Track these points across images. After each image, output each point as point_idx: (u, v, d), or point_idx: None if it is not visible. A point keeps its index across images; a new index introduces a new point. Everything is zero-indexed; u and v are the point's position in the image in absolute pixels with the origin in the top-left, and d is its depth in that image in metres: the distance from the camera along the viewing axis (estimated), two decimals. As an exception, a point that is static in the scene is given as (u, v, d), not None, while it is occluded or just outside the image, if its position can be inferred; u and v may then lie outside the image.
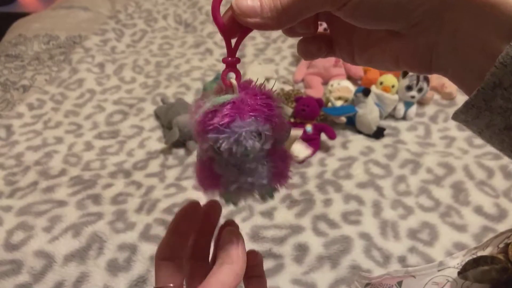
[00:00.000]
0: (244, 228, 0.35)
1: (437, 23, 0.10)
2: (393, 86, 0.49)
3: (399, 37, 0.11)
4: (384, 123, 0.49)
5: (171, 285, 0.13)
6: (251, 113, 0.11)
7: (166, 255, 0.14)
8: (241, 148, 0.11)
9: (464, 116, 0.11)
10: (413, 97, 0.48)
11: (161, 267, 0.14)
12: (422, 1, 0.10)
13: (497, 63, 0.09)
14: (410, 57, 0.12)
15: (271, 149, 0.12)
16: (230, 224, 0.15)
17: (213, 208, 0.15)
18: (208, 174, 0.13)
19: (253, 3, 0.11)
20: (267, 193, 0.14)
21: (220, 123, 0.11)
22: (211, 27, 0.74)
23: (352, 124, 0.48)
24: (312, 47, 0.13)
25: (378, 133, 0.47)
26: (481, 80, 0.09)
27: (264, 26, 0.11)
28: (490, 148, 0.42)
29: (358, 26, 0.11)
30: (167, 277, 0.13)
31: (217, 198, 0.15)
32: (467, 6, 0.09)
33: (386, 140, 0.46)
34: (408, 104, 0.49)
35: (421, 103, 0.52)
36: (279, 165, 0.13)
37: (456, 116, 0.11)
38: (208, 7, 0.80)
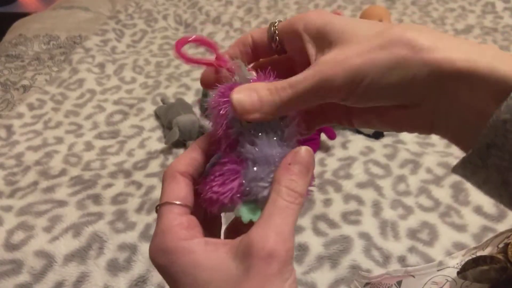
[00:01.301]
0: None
1: (436, 94, 0.11)
2: None
3: (399, 107, 0.12)
4: (384, 123, 0.49)
5: (177, 202, 0.11)
6: None
7: (184, 170, 0.12)
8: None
9: (462, 171, 0.11)
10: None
11: (176, 182, 0.12)
12: (421, 80, 0.10)
13: (488, 125, 0.10)
14: (410, 122, 0.12)
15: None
16: None
17: None
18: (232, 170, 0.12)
19: (252, 100, 0.12)
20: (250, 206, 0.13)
21: None
22: (211, 27, 0.74)
23: (352, 124, 0.48)
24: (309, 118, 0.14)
25: (378, 133, 0.47)
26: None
27: (262, 119, 0.12)
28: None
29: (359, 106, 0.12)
30: (178, 192, 0.12)
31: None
32: (462, 77, 0.10)
33: (385, 140, 0.46)
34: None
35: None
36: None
37: (455, 171, 0.11)
38: (209, 7, 0.80)
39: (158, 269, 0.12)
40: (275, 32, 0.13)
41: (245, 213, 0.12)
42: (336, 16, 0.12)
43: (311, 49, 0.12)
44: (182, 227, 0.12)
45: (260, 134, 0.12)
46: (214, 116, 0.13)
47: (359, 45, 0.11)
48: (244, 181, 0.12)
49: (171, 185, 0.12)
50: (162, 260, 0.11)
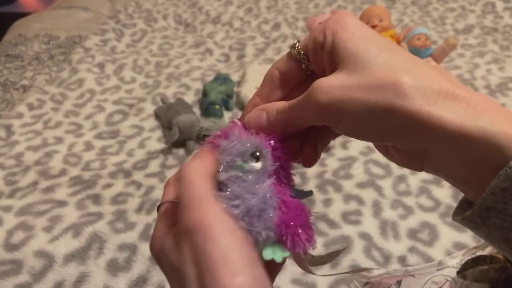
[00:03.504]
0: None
1: (420, 146, 0.11)
2: None
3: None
4: (384, 123, 0.49)
5: (176, 201, 0.12)
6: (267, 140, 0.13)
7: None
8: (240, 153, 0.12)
9: (465, 226, 0.11)
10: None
11: (171, 189, 0.13)
12: (403, 135, 0.10)
13: (488, 192, 0.09)
14: (400, 159, 0.12)
15: (279, 190, 0.12)
16: None
17: None
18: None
19: (258, 120, 0.12)
20: (272, 247, 0.11)
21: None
22: (211, 27, 0.74)
23: (352, 124, 0.48)
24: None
25: (378, 133, 0.46)
26: (473, 186, 0.10)
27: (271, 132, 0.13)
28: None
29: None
30: (175, 194, 0.12)
31: None
32: (447, 141, 0.10)
33: (386, 140, 0.46)
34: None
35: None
36: (290, 212, 0.12)
37: (455, 220, 0.11)
38: (209, 7, 0.80)
39: (156, 258, 0.12)
40: (299, 53, 0.13)
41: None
42: (351, 32, 0.11)
43: (327, 66, 0.12)
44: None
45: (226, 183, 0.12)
46: None
47: (352, 77, 0.11)
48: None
49: (170, 188, 0.13)
50: (157, 247, 0.12)
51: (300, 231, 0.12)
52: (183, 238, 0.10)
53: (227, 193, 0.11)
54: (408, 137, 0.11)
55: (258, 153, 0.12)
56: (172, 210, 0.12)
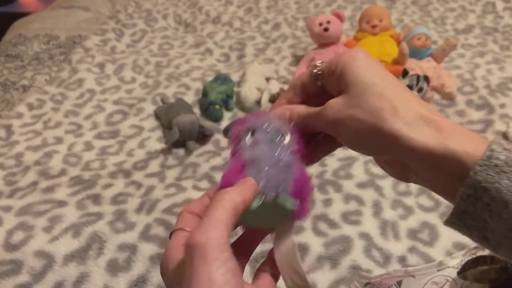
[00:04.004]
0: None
1: (405, 164, 0.14)
2: None
3: None
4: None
5: (188, 229, 0.14)
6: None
7: (195, 212, 0.15)
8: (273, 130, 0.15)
9: (452, 228, 0.13)
10: (413, 97, 0.49)
11: (186, 217, 0.15)
12: (387, 151, 0.13)
13: (459, 198, 0.12)
14: (391, 170, 0.15)
15: (299, 162, 0.15)
16: None
17: None
18: (236, 168, 0.15)
19: (282, 116, 0.16)
20: (284, 200, 0.14)
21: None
22: (211, 27, 0.74)
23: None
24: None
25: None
26: (449, 194, 0.13)
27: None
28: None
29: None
30: (188, 223, 0.14)
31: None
32: (418, 157, 0.13)
33: (386, 140, 0.46)
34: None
35: (421, 103, 0.52)
36: (302, 176, 0.15)
37: (448, 225, 0.13)
38: (209, 7, 0.80)
39: (164, 278, 0.14)
40: (318, 73, 0.16)
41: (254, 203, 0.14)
42: (358, 66, 0.14)
43: (335, 88, 0.15)
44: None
45: (257, 145, 0.15)
46: (232, 136, 0.16)
47: (352, 101, 0.14)
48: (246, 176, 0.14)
49: (181, 218, 0.15)
50: (165, 270, 0.13)
51: (308, 199, 0.15)
52: (187, 254, 0.12)
53: (260, 146, 0.15)
54: (391, 153, 0.13)
55: (287, 136, 0.15)
56: (184, 238, 0.13)
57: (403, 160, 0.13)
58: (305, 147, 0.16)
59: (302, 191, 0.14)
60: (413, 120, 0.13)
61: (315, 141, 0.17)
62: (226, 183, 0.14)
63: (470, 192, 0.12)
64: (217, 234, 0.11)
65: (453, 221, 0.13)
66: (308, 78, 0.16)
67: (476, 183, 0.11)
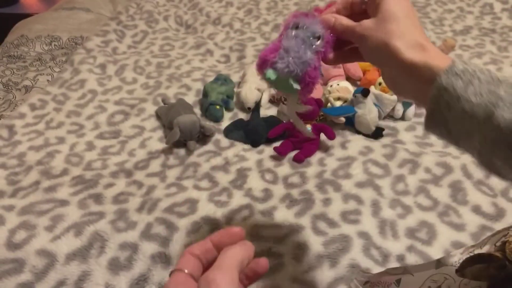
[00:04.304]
0: (244, 227, 0.35)
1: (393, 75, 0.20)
2: None
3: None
4: (383, 123, 0.49)
5: (186, 270, 0.17)
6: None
7: (196, 254, 0.18)
8: (311, 28, 0.21)
9: (430, 130, 0.18)
10: (412, 97, 0.49)
11: (187, 258, 0.18)
12: (387, 61, 0.19)
13: (429, 101, 0.17)
14: (385, 80, 0.21)
15: (316, 61, 0.21)
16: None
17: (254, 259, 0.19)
18: (274, 48, 0.21)
19: (331, 20, 0.22)
20: (296, 80, 0.21)
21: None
22: (212, 28, 0.74)
23: (351, 124, 0.48)
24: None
25: (377, 133, 0.47)
26: (422, 100, 0.18)
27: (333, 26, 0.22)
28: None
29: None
30: (187, 264, 0.17)
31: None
32: (407, 70, 0.18)
33: (384, 140, 0.46)
34: (406, 105, 0.50)
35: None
36: (313, 72, 0.21)
37: (427, 129, 0.18)
38: (209, 8, 0.81)
39: None
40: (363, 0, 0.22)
41: (270, 73, 0.21)
42: (391, 2, 0.20)
43: (372, 12, 0.21)
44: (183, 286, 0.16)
45: (294, 39, 0.21)
46: (283, 26, 0.22)
47: (379, 24, 0.19)
48: (276, 57, 0.21)
49: (182, 259, 0.18)
50: None
51: (310, 89, 0.22)
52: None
53: (289, 41, 0.21)
54: (388, 65, 0.19)
55: (319, 40, 0.21)
56: (184, 279, 0.17)
57: (393, 71, 0.19)
58: (332, 51, 0.22)
59: (307, 82, 0.21)
60: (411, 44, 0.18)
61: (342, 49, 0.23)
62: (263, 55, 0.22)
63: (435, 92, 0.16)
64: (229, 276, 0.15)
65: (428, 124, 0.18)
66: (357, 0, 0.22)
67: (439, 85, 0.16)
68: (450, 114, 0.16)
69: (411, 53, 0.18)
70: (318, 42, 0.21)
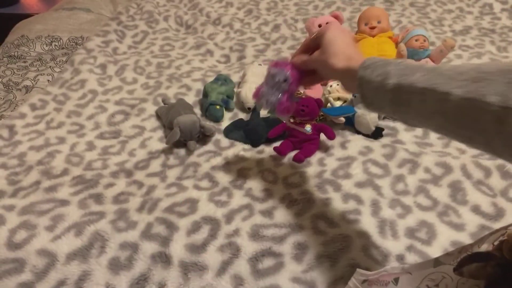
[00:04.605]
0: (244, 227, 0.35)
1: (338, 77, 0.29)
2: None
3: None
4: (383, 123, 0.49)
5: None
6: (291, 72, 0.32)
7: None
8: (280, 76, 0.32)
9: (368, 109, 0.27)
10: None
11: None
12: (331, 74, 0.29)
13: (358, 89, 0.25)
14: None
15: (289, 91, 0.33)
16: None
17: None
18: (258, 91, 0.34)
19: (296, 60, 0.32)
20: (273, 112, 0.34)
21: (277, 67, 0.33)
22: (212, 29, 0.75)
23: (351, 124, 0.48)
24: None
25: (377, 133, 0.47)
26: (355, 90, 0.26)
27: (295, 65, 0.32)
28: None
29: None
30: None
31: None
32: (340, 74, 0.28)
33: (384, 140, 0.47)
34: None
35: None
36: (285, 104, 0.33)
37: (364, 107, 0.27)
38: (209, 9, 0.81)
39: None
40: (316, 36, 0.30)
41: (257, 107, 0.41)
42: (329, 32, 0.29)
43: (317, 47, 0.30)
44: None
45: (271, 83, 0.33)
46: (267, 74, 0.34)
47: (322, 53, 0.29)
48: (259, 95, 0.34)
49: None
50: None
51: (285, 114, 0.34)
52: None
53: (269, 84, 0.33)
54: (330, 75, 0.31)
55: (287, 80, 0.32)
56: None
57: (338, 78, 0.29)
58: (302, 78, 0.33)
59: (279, 112, 0.33)
60: (341, 58, 0.27)
61: (308, 75, 0.33)
62: (254, 93, 0.34)
63: (358, 82, 0.25)
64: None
65: (363, 103, 0.25)
66: (311, 40, 0.31)
67: (359, 76, 0.25)
68: (369, 92, 0.24)
69: (341, 64, 0.27)
70: (285, 84, 0.32)
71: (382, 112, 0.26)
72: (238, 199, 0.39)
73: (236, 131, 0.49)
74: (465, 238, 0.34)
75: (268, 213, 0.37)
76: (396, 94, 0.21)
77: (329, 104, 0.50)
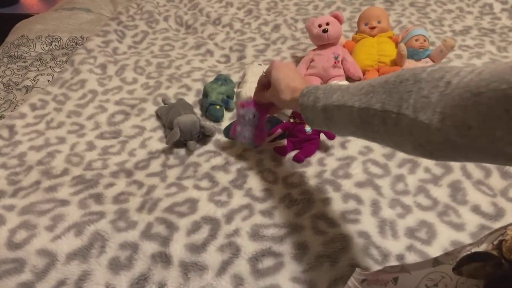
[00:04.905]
0: (244, 227, 0.35)
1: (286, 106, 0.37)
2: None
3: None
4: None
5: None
6: (256, 108, 0.41)
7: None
8: (249, 114, 0.41)
9: (310, 124, 0.32)
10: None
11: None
12: (282, 105, 0.36)
13: (302, 112, 0.32)
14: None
15: (258, 124, 0.41)
16: None
17: None
18: (234, 129, 0.42)
19: (257, 97, 0.41)
20: (250, 145, 0.42)
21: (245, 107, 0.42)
22: (212, 29, 0.75)
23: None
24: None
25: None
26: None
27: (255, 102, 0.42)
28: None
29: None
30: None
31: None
32: (287, 103, 0.34)
33: (384, 140, 0.47)
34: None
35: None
36: (259, 135, 0.42)
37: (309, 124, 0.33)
38: (209, 9, 0.81)
39: None
40: (265, 74, 0.38)
41: (237, 142, 0.43)
42: (274, 70, 0.36)
43: (268, 85, 0.37)
44: None
45: (243, 122, 0.41)
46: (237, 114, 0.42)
47: (272, 91, 0.36)
48: (236, 134, 0.42)
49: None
50: None
51: (262, 141, 0.43)
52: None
53: (242, 124, 0.41)
54: (282, 106, 0.37)
55: (254, 115, 0.41)
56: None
57: (288, 107, 0.36)
58: (266, 111, 0.41)
59: (258, 141, 0.42)
60: (288, 91, 0.33)
61: (271, 106, 0.40)
62: (231, 131, 0.43)
63: (300, 107, 0.31)
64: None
65: (307, 123, 0.31)
66: (264, 77, 0.38)
67: (300, 103, 0.31)
68: (308, 113, 0.30)
69: (288, 97, 0.33)
70: (254, 119, 0.40)
71: (322, 128, 0.30)
72: (238, 199, 0.39)
73: (236, 131, 0.49)
74: (465, 238, 0.34)
75: (268, 213, 0.37)
76: (324, 112, 0.28)
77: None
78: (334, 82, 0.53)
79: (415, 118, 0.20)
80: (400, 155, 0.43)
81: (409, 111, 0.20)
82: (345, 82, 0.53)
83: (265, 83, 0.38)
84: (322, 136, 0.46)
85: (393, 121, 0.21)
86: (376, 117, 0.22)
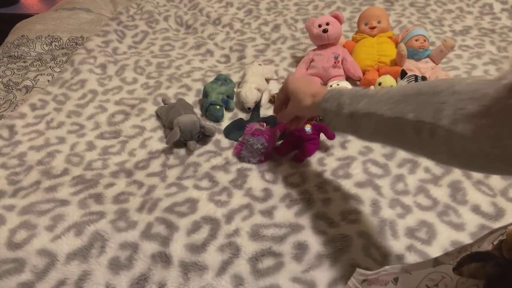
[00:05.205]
0: (244, 227, 0.35)
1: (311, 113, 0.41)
2: (391, 87, 0.50)
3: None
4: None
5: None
6: (266, 137, 0.43)
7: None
8: (258, 144, 0.42)
9: (337, 131, 0.42)
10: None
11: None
12: (305, 112, 0.38)
13: (324, 117, 0.32)
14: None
15: (265, 152, 0.43)
16: None
17: None
18: (238, 150, 0.45)
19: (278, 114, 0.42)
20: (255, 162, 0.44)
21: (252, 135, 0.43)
22: (212, 29, 0.75)
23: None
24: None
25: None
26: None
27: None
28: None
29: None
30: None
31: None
32: (309, 110, 0.35)
33: (384, 140, 0.47)
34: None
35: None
36: (263, 160, 0.44)
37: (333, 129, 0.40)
38: (209, 9, 0.81)
39: None
40: (283, 89, 0.39)
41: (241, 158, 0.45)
42: (290, 84, 0.37)
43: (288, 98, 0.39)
44: None
45: (250, 149, 0.43)
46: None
47: (292, 101, 0.37)
48: (241, 156, 0.44)
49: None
50: None
51: (265, 160, 0.44)
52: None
53: (248, 150, 0.43)
54: (304, 113, 0.38)
55: (262, 145, 0.42)
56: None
57: (310, 113, 0.38)
58: (275, 140, 0.44)
59: (260, 162, 0.43)
60: (307, 98, 0.34)
61: (294, 120, 0.41)
62: (236, 149, 0.45)
63: (322, 113, 0.32)
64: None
65: (330, 128, 0.37)
66: (280, 93, 0.40)
67: (322, 108, 0.31)
68: (331, 119, 0.31)
69: (309, 102, 0.34)
70: (262, 148, 0.42)
71: (346, 133, 0.30)
72: (238, 199, 0.39)
73: (236, 131, 0.49)
74: (465, 238, 0.34)
75: (268, 213, 0.37)
76: (350, 119, 0.28)
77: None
78: (334, 82, 0.53)
79: (451, 130, 0.20)
80: (400, 155, 0.43)
81: (445, 122, 0.20)
82: (345, 82, 0.53)
83: (283, 99, 0.38)
84: (322, 136, 0.46)
85: (428, 132, 0.21)
86: (409, 127, 0.22)
